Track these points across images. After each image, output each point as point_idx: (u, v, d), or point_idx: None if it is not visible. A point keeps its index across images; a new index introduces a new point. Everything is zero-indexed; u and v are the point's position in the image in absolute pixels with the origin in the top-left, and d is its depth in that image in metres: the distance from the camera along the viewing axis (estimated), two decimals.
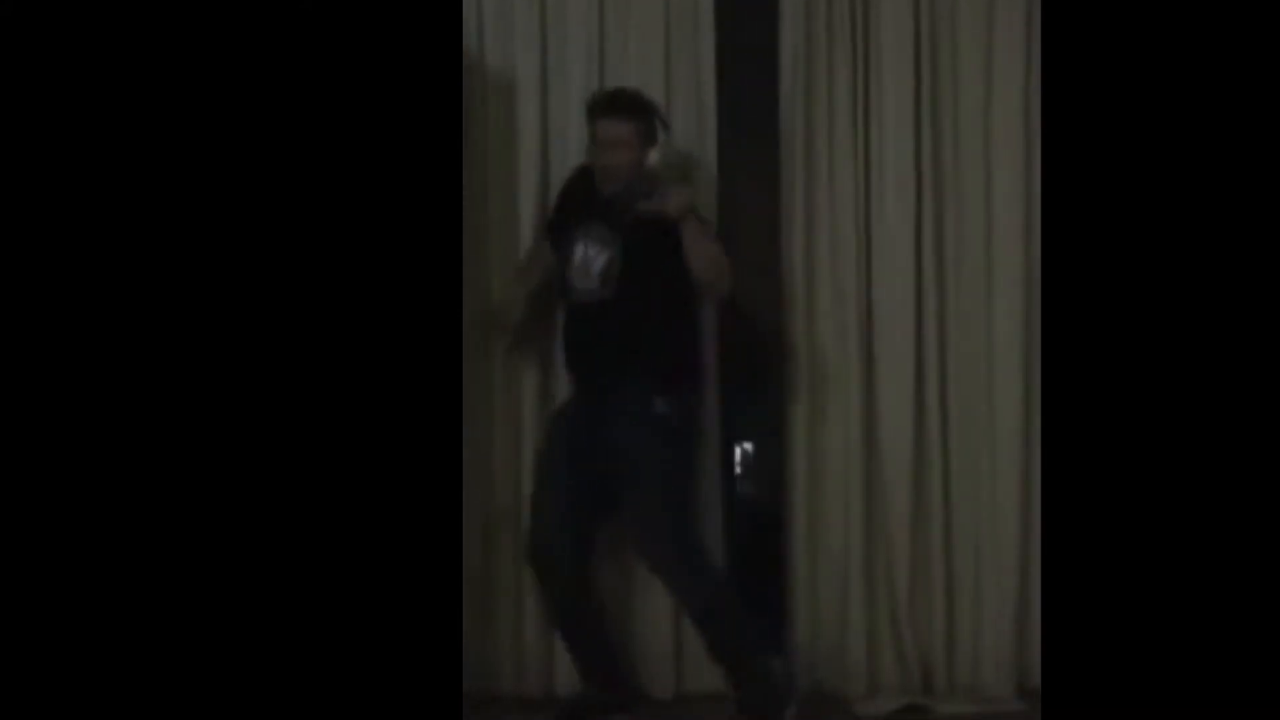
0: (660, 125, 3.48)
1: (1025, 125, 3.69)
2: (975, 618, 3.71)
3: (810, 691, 3.69)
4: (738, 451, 4.40)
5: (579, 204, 3.52)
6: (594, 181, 3.48)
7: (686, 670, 3.74)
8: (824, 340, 3.70)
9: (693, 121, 3.71)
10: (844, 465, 3.70)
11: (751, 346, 3.91)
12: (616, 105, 3.44)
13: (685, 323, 3.51)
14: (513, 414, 3.72)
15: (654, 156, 3.46)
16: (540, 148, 3.72)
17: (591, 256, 3.43)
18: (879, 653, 3.69)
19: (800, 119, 3.69)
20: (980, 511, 3.71)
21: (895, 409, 3.70)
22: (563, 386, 3.69)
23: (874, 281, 3.69)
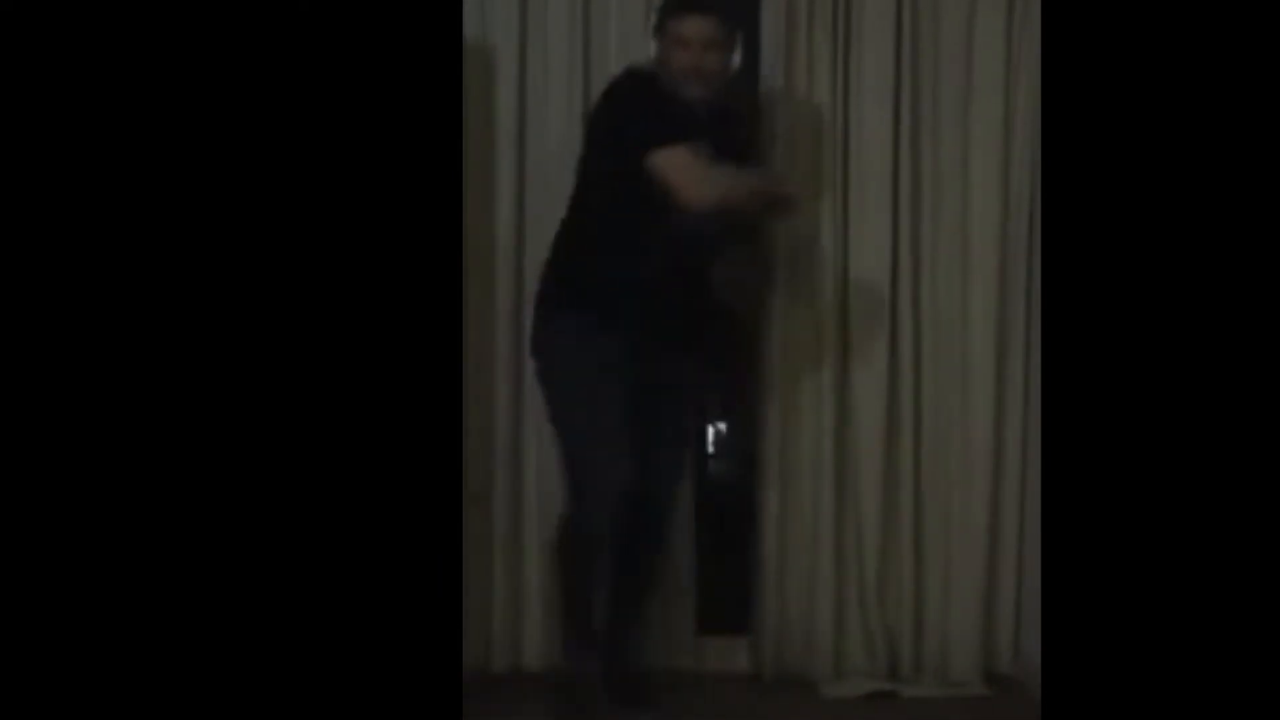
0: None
1: (1005, 114, 3.71)
2: (943, 602, 3.75)
3: (777, 673, 3.75)
4: (710, 431, 4.42)
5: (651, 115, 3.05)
6: (662, 89, 3.09)
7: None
8: (799, 326, 3.72)
9: None
10: (815, 447, 3.72)
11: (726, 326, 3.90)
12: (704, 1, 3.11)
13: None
14: (485, 395, 3.71)
15: (736, 60, 3.22)
16: (518, 128, 3.71)
17: None
18: (846, 636, 3.72)
19: (780, 105, 3.69)
20: (950, 496, 3.75)
21: (868, 395, 3.72)
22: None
23: (850, 268, 3.71)
